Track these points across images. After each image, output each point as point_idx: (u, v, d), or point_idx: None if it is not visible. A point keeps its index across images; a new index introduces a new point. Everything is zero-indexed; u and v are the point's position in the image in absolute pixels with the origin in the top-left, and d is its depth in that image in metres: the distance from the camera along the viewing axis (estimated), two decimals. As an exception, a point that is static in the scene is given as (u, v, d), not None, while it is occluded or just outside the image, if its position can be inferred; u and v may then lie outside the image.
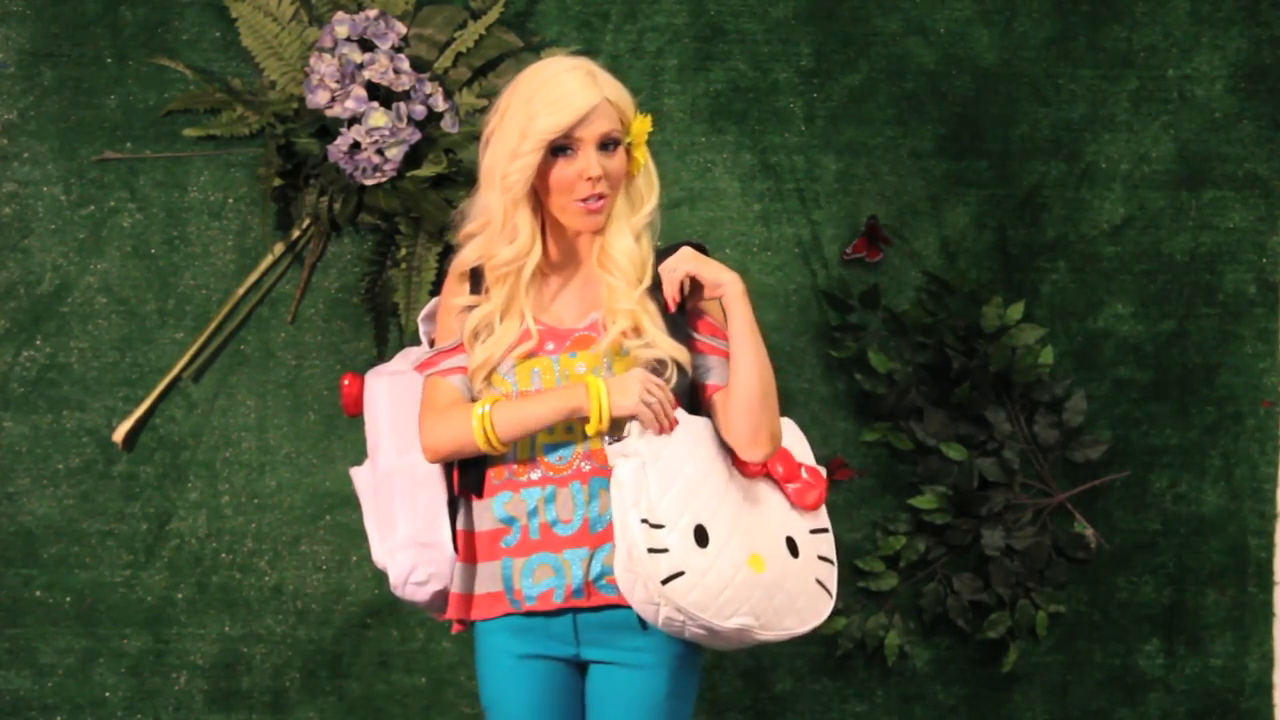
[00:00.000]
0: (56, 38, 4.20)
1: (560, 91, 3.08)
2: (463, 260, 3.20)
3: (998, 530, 4.24)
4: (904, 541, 4.26)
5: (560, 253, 3.20)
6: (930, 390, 4.25)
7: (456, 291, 3.21)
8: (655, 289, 3.15)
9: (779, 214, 4.28)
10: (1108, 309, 4.32)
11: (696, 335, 3.16)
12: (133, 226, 4.22)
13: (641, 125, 3.14)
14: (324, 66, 4.06)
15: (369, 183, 4.10)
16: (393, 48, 4.08)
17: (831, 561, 3.18)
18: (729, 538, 3.06)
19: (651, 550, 3.02)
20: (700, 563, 3.02)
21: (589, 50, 4.20)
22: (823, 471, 3.22)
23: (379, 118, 4.04)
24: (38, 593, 4.22)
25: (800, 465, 3.20)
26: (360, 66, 4.06)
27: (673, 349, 3.11)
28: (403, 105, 4.06)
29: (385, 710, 4.25)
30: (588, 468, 3.10)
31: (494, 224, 3.15)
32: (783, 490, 3.19)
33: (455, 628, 3.21)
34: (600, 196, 3.10)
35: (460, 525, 3.18)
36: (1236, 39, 4.31)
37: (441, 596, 3.22)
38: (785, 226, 4.28)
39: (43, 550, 4.22)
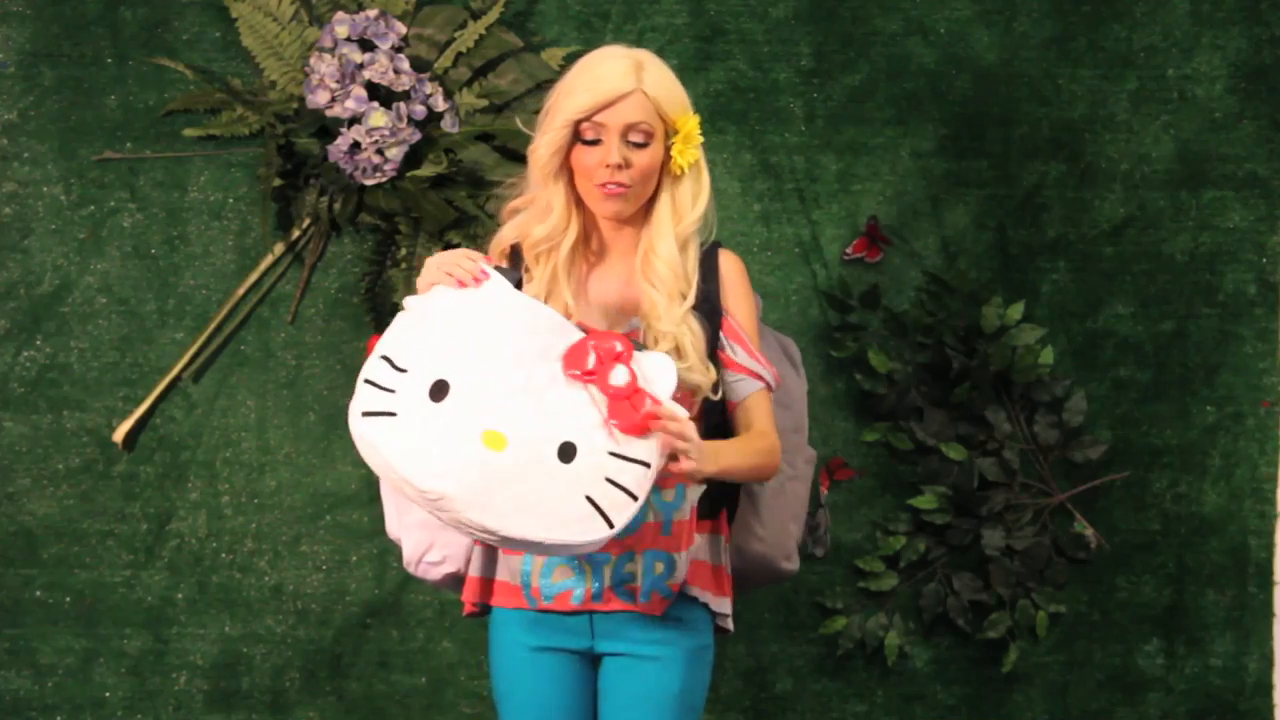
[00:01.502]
0: (56, 38, 4.21)
1: (596, 75, 3.06)
2: (502, 238, 3.17)
3: (998, 530, 4.24)
4: (904, 541, 4.26)
5: (601, 244, 3.16)
6: (930, 390, 4.25)
7: None
8: (698, 307, 3.11)
9: (779, 214, 4.28)
10: (1108, 309, 4.32)
11: (723, 350, 3.14)
12: (133, 226, 4.22)
13: (688, 124, 3.08)
14: (324, 66, 4.06)
15: (369, 183, 4.10)
16: (393, 48, 4.08)
17: (630, 493, 2.87)
18: (474, 404, 2.84)
19: (370, 383, 2.85)
20: (423, 413, 2.82)
21: (588, 51, 4.19)
22: (671, 411, 2.90)
23: (379, 118, 4.04)
24: (38, 593, 4.22)
25: (636, 391, 2.90)
26: (360, 66, 4.06)
27: (704, 378, 3.08)
28: (403, 105, 4.06)
29: (385, 710, 4.25)
30: None
31: (535, 202, 3.14)
32: (607, 409, 2.91)
33: (467, 609, 3.19)
34: (620, 184, 3.07)
35: None
36: (1236, 39, 4.31)
37: (454, 578, 3.21)
38: (785, 226, 4.28)
39: (43, 550, 4.22)
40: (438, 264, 2.98)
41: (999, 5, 4.29)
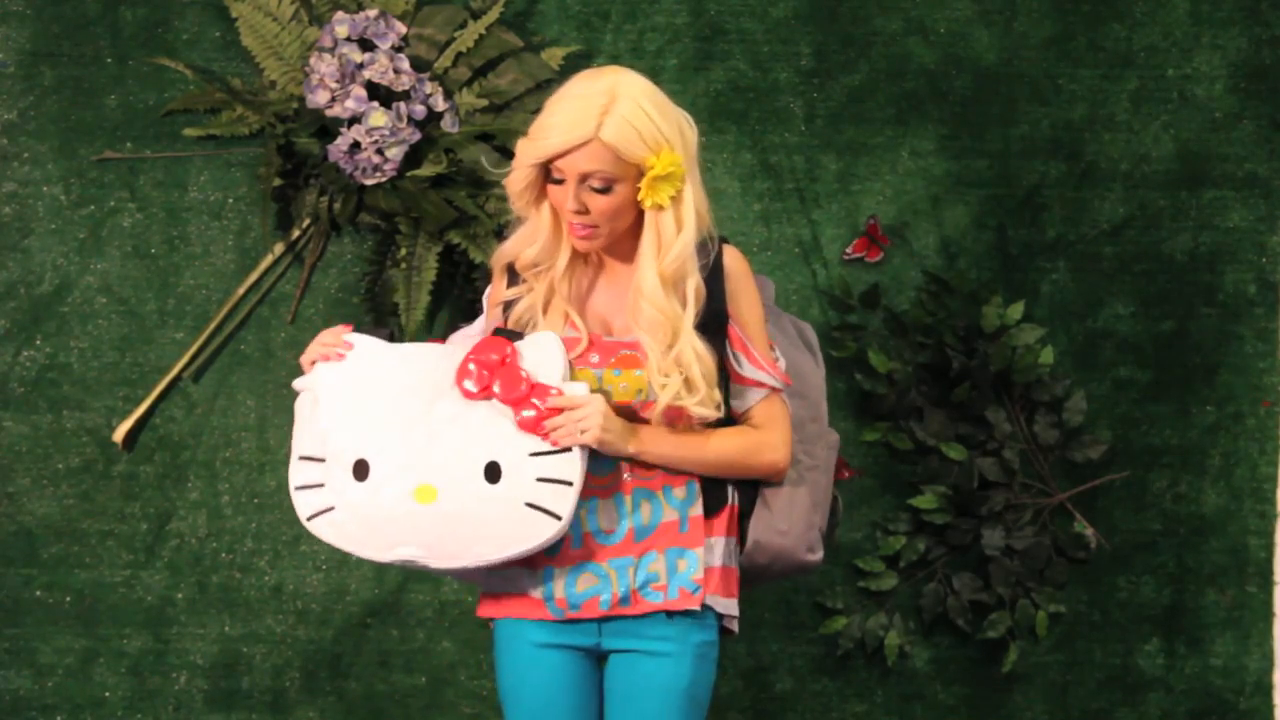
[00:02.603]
0: (56, 38, 4.21)
1: (554, 118, 2.99)
2: (500, 254, 3.16)
3: (998, 530, 4.24)
4: (904, 541, 4.26)
5: (598, 256, 3.13)
6: (930, 390, 4.26)
7: (496, 286, 3.17)
8: (706, 324, 3.08)
9: (779, 214, 4.28)
10: (1108, 309, 4.32)
11: (729, 362, 3.11)
12: (133, 226, 4.23)
13: (659, 164, 2.99)
14: (324, 66, 4.06)
15: (369, 183, 4.10)
16: (393, 48, 4.08)
17: (562, 481, 2.98)
18: (396, 470, 2.98)
19: (302, 487, 3.03)
20: (355, 497, 3.00)
21: (588, 51, 4.20)
22: (567, 389, 3.01)
23: (379, 118, 4.04)
24: (38, 593, 4.22)
25: (526, 384, 3.01)
26: (360, 66, 4.06)
27: (712, 409, 3.07)
28: (403, 105, 4.06)
29: (385, 710, 4.25)
30: (630, 478, 3.07)
31: (526, 222, 3.13)
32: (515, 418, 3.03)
33: (490, 626, 3.20)
34: (587, 227, 3.03)
35: None
36: (1236, 39, 4.31)
37: (476, 574, 3.20)
38: (785, 226, 4.29)
39: (43, 550, 4.22)
40: (312, 345, 3.08)
41: (999, 5, 4.29)
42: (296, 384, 3.08)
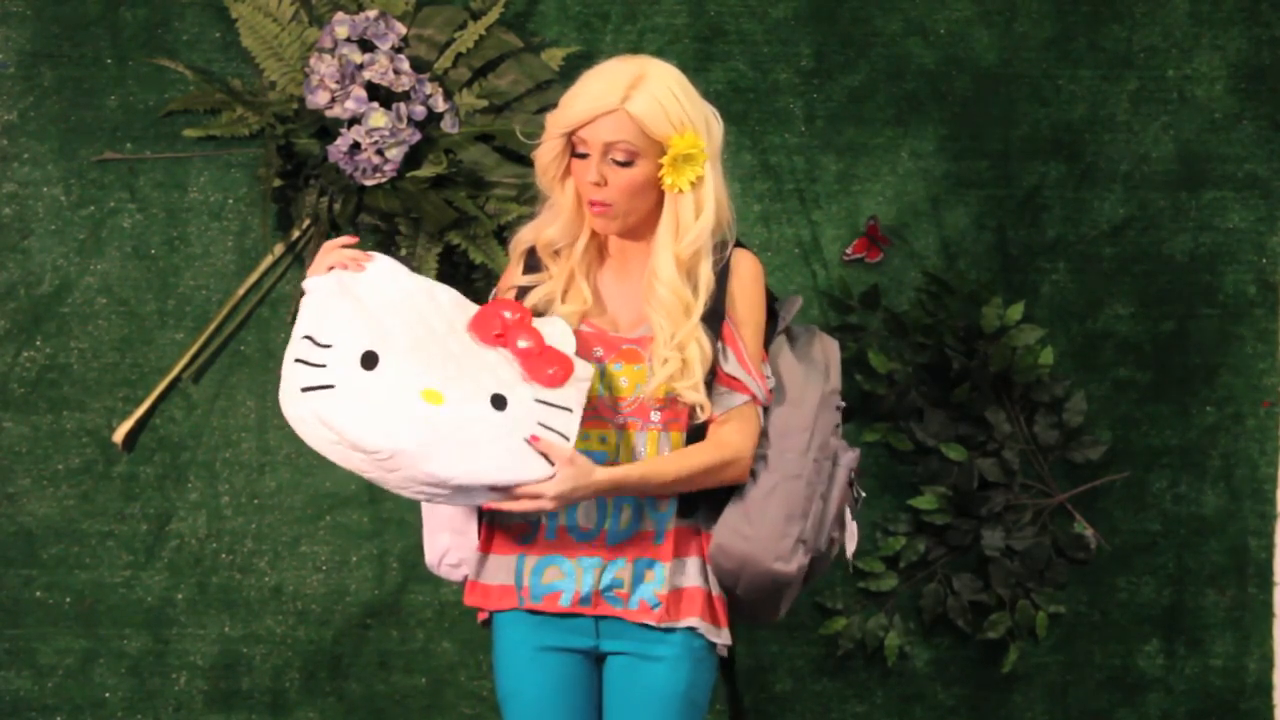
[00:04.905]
0: (56, 38, 4.21)
1: (583, 88, 3.04)
2: (519, 239, 3.18)
3: (998, 531, 4.24)
4: (904, 542, 4.26)
5: (617, 248, 3.15)
6: (930, 390, 4.26)
7: (511, 273, 3.19)
8: (707, 317, 3.09)
9: (779, 214, 4.28)
10: (1108, 309, 4.32)
11: (717, 357, 3.11)
12: (133, 227, 4.23)
13: (682, 144, 3.02)
14: (324, 67, 4.06)
15: (369, 183, 4.10)
16: (393, 48, 4.08)
17: (562, 435, 2.98)
18: (405, 368, 2.95)
19: (301, 361, 2.96)
20: (360, 383, 2.93)
21: (589, 52, 4.20)
22: (578, 365, 3.04)
23: (379, 118, 4.04)
24: (38, 593, 4.23)
25: (545, 349, 3.04)
26: (360, 67, 4.06)
27: (699, 398, 3.07)
28: (403, 106, 4.06)
29: (385, 710, 4.25)
30: None
31: (549, 204, 3.14)
32: (523, 366, 3.05)
33: (480, 615, 3.20)
34: (604, 204, 3.05)
35: (484, 518, 3.17)
36: (1236, 39, 4.31)
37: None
38: (785, 226, 4.29)
39: (43, 550, 4.22)
40: (328, 247, 3.06)
41: (999, 6, 4.29)
42: (306, 283, 3.03)
